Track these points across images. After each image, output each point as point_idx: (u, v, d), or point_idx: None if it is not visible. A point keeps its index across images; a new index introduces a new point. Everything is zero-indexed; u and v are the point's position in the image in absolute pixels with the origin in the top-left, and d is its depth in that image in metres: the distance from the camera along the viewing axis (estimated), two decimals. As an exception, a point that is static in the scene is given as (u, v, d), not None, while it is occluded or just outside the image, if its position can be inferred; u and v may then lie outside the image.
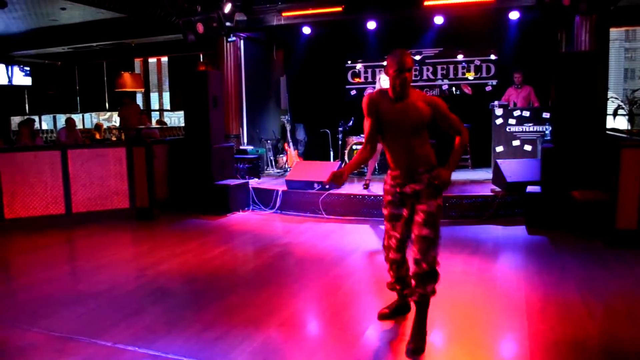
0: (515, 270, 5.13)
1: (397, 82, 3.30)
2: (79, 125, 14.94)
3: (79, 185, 7.53)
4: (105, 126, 14.22)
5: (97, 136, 12.77)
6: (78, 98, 14.90)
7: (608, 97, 8.82)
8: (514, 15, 8.56)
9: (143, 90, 13.75)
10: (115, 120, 16.64)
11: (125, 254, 6.19)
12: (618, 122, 10.03)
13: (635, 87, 11.41)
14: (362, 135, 9.42)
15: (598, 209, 6.01)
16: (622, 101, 10.22)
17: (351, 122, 9.68)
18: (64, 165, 7.45)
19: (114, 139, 13.11)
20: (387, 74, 3.34)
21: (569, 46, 8.50)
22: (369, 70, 11.05)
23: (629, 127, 9.80)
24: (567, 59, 6.83)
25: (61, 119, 15.35)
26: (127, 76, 12.62)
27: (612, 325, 3.75)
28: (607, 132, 7.99)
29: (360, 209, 7.50)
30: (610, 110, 9.37)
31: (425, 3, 8.27)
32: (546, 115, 8.41)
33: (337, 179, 3.27)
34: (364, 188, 7.85)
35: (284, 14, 9.09)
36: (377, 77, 8.41)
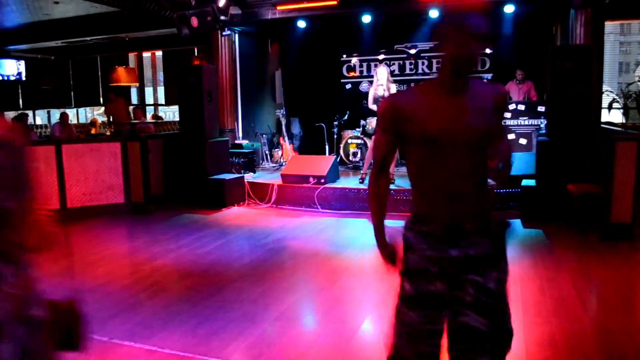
0: (511, 263, 5.15)
1: (459, 58, 1.86)
2: (73, 120, 14.87)
3: (73, 180, 7.49)
4: (100, 121, 14.13)
5: (93, 131, 12.71)
6: (72, 93, 14.81)
7: (603, 90, 8.84)
8: (510, 8, 8.55)
9: (137, 84, 13.68)
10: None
11: (121, 249, 6.17)
12: (613, 116, 10.05)
13: (630, 80, 11.42)
14: (358, 130, 9.41)
15: (593, 202, 6.03)
16: (617, 95, 10.24)
17: (346, 116, 9.66)
18: (59, 161, 7.40)
19: (108, 134, 13.07)
20: (441, 46, 1.90)
21: (564, 39, 8.50)
22: (364, 64, 11.02)
23: (624, 121, 9.81)
24: (562, 53, 6.84)
25: (55, 114, 15.27)
26: (121, 71, 12.55)
27: (607, 319, 3.77)
28: (602, 125, 8.01)
29: (355, 203, 7.50)
30: (605, 103, 9.39)
31: (421, -4, 8.25)
32: (541, 108, 8.42)
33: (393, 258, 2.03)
34: (360, 182, 7.85)
35: (278, 8, 9.04)
36: (374, 71, 8.36)
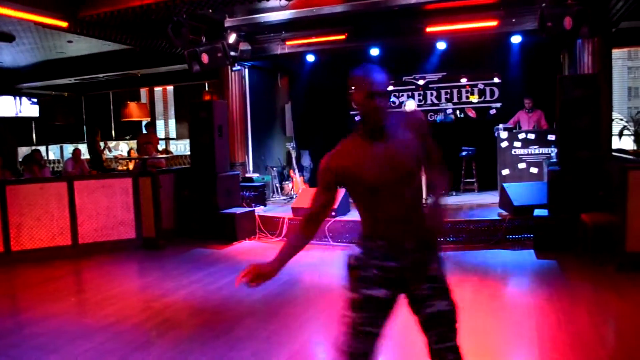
0: (526, 296, 5.07)
1: (369, 112, 2.19)
2: (86, 155, 15.03)
3: (85, 216, 7.54)
4: (111, 155, 14.22)
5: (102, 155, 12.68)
6: (85, 127, 15.03)
7: (613, 117, 8.80)
8: (516, 39, 8.60)
9: (149, 119, 13.84)
10: (122, 149, 16.75)
11: (132, 285, 6.16)
12: (624, 143, 10.00)
13: (639, 105, 11.37)
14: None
15: (607, 231, 5.95)
16: (627, 121, 10.20)
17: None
18: (70, 197, 7.47)
19: (120, 167, 13.18)
20: (353, 101, 2.28)
21: (572, 68, 8.52)
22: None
23: (635, 147, 9.75)
24: (571, 82, 6.85)
25: (68, 149, 15.46)
26: (133, 106, 12.71)
27: (625, 354, 3.68)
28: (614, 153, 7.96)
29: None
30: (615, 130, 9.34)
31: (428, 29, 8.32)
32: (551, 137, 8.40)
33: (263, 277, 2.36)
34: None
35: (287, 43, 9.17)
36: (403, 104, 8.30)
